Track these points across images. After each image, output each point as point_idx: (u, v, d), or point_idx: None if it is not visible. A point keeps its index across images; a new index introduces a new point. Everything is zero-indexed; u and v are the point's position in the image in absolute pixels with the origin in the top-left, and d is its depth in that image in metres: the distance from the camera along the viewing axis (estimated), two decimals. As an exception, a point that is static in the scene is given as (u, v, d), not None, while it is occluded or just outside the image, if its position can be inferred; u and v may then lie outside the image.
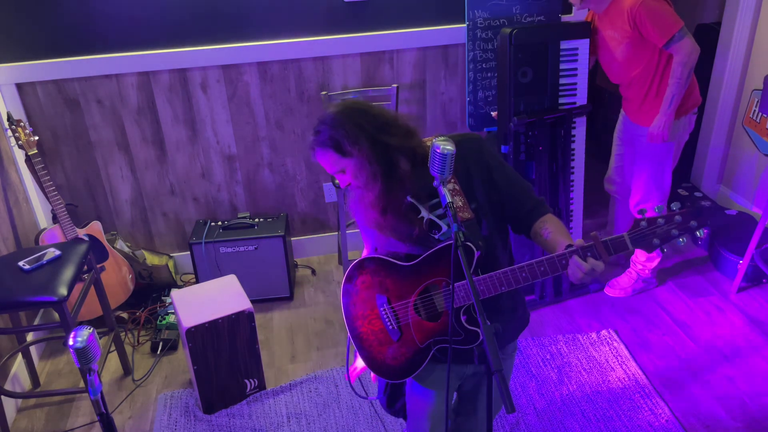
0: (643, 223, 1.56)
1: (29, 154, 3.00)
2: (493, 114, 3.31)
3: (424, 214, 1.69)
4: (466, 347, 1.76)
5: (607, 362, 2.96)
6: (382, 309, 1.82)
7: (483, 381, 1.98)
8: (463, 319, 1.74)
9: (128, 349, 3.18)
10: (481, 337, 1.74)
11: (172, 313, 3.25)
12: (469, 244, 1.64)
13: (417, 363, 1.83)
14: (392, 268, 1.79)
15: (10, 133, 3.00)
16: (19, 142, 2.99)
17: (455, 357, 1.80)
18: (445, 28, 3.43)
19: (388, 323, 1.82)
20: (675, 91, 2.85)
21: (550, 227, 1.76)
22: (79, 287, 2.73)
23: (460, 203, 1.73)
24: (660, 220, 1.55)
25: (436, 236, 1.74)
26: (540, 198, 1.86)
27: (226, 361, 2.74)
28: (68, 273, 2.56)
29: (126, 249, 3.53)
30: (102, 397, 1.55)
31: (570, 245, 1.63)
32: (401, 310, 1.80)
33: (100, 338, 3.16)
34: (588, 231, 3.81)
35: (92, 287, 2.85)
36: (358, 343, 1.89)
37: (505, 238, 1.86)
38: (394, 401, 2.08)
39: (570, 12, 3.48)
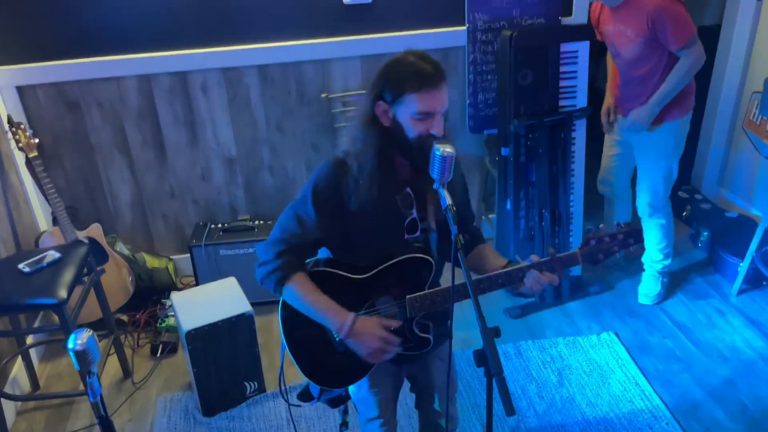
0: (593, 241, 1.80)
1: (29, 156, 3.00)
2: None
3: (446, 199, 1.57)
4: (415, 353, 1.82)
5: (608, 365, 2.96)
6: None
7: (433, 367, 2.01)
8: (415, 328, 1.78)
9: (128, 351, 3.18)
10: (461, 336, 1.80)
11: (172, 315, 3.25)
12: (428, 258, 1.68)
13: (361, 371, 1.84)
14: (340, 281, 1.75)
15: (10, 135, 3.00)
16: (20, 144, 2.99)
17: (399, 359, 1.82)
18: (445, 31, 3.43)
19: (336, 335, 1.79)
20: (671, 88, 2.83)
21: (487, 252, 1.89)
22: (78, 290, 2.73)
23: (430, 209, 1.76)
24: (606, 238, 1.80)
25: (410, 236, 1.77)
26: (477, 227, 1.97)
27: (226, 363, 2.74)
28: (68, 275, 2.56)
29: (126, 251, 3.53)
30: (101, 400, 1.55)
31: (511, 261, 1.78)
32: None
33: (100, 341, 3.15)
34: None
35: (92, 290, 2.85)
36: (297, 355, 1.84)
37: (445, 259, 1.90)
38: (334, 400, 2.06)
39: (570, 14, 3.48)
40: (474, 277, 1.69)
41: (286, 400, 2.14)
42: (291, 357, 1.85)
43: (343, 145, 1.76)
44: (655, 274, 3.37)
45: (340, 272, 1.76)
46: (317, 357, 1.84)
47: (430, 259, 1.69)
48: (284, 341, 1.85)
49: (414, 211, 1.73)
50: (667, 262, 3.34)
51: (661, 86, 2.86)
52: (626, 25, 2.86)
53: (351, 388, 2.00)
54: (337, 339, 1.80)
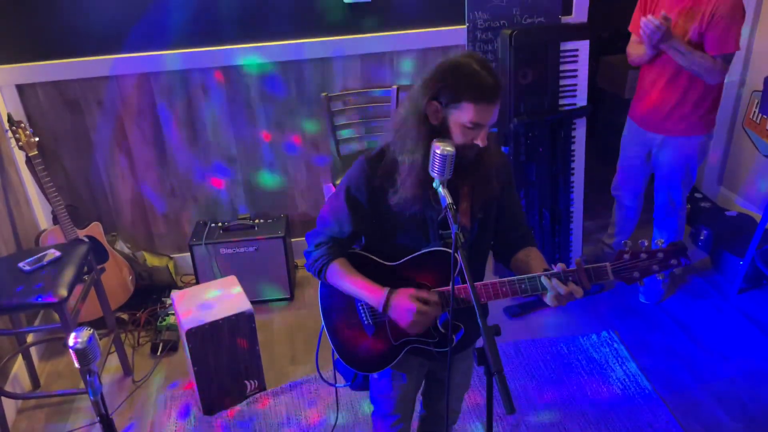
0: (627, 255, 1.62)
1: (30, 155, 3.00)
2: None
3: (445, 198, 1.57)
4: (440, 350, 1.81)
5: (608, 363, 2.96)
6: (359, 304, 1.84)
7: (454, 369, 2.02)
8: (439, 323, 1.77)
9: (128, 350, 3.18)
10: (456, 336, 1.79)
11: (173, 314, 3.25)
12: (448, 251, 1.65)
13: (388, 359, 1.86)
14: (375, 266, 1.80)
15: (10, 134, 3.00)
16: (20, 143, 2.99)
17: (424, 354, 1.85)
18: (445, 30, 3.43)
19: (364, 319, 1.85)
20: (691, 58, 2.72)
21: (533, 255, 1.81)
22: (79, 288, 2.73)
23: (463, 207, 1.74)
24: (643, 254, 1.62)
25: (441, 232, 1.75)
26: (529, 228, 1.91)
27: (226, 362, 2.74)
28: (68, 274, 2.56)
29: (126, 250, 3.53)
30: (102, 398, 1.55)
31: (547, 269, 1.67)
32: None
33: (101, 339, 3.15)
34: (588, 233, 3.81)
35: (92, 288, 2.85)
36: (332, 334, 1.91)
37: (486, 256, 1.89)
38: (364, 383, 2.10)
39: (570, 13, 3.48)
40: (498, 279, 1.68)
41: (332, 384, 2.18)
42: (329, 340, 1.92)
43: (385, 136, 1.75)
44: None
45: (373, 257, 1.80)
46: (351, 340, 1.88)
47: (453, 254, 1.66)
48: (323, 320, 1.92)
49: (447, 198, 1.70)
50: None
51: (692, 51, 2.73)
52: (687, 18, 2.75)
53: (371, 382, 2.02)
54: (365, 322, 1.85)
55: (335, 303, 1.88)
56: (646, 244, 1.62)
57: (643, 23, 2.70)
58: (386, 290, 1.72)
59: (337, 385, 2.15)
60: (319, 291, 1.92)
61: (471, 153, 1.63)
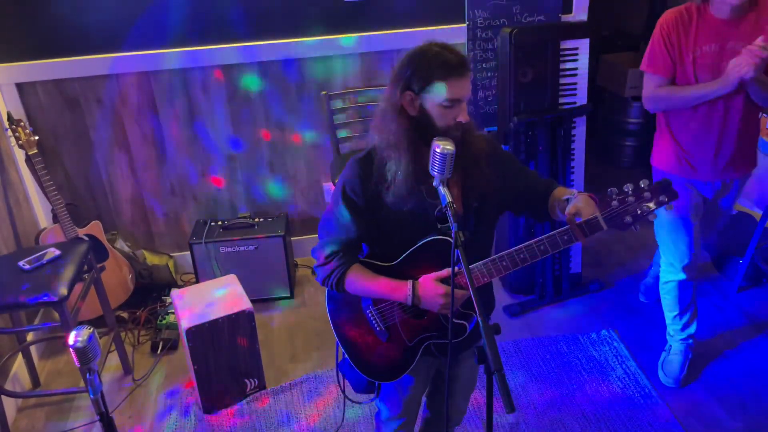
0: (615, 202, 1.62)
1: (29, 153, 3.00)
2: None
3: (445, 196, 1.56)
4: (455, 340, 1.79)
5: (607, 362, 2.96)
6: (368, 312, 1.83)
7: (462, 366, 2.03)
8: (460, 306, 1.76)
9: (128, 348, 3.18)
10: (466, 331, 1.79)
11: (172, 312, 3.25)
12: (448, 239, 1.65)
13: (407, 361, 1.85)
14: (375, 269, 1.79)
15: (10, 132, 3.00)
16: (20, 141, 2.99)
17: (440, 350, 1.85)
18: (445, 28, 3.43)
19: (375, 325, 1.83)
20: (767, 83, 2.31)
21: (557, 192, 1.80)
22: (79, 287, 2.73)
23: (454, 193, 1.73)
24: (630, 197, 1.62)
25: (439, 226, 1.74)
26: (545, 179, 1.89)
27: (226, 360, 2.74)
28: (68, 273, 2.56)
29: (126, 249, 3.53)
30: (102, 397, 1.55)
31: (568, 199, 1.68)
32: (387, 311, 1.82)
33: (100, 338, 3.15)
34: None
35: (92, 287, 2.85)
36: (347, 348, 1.89)
37: (487, 249, 1.88)
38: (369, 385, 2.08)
39: (570, 12, 3.47)
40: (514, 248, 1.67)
41: (343, 392, 2.14)
42: (345, 354, 1.90)
43: (370, 137, 1.75)
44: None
45: (372, 261, 1.80)
46: (366, 351, 1.87)
47: (453, 253, 1.66)
48: (336, 335, 1.90)
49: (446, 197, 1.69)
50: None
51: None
52: (740, 42, 2.28)
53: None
54: (377, 329, 1.83)
55: (344, 316, 1.87)
56: (630, 186, 1.62)
57: (754, 54, 2.18)
58: (410, 283, 1.72)
59: (364, 401, 2.10)
60: (327, 307, 1.90)
61: (457, 133, 1.64)
